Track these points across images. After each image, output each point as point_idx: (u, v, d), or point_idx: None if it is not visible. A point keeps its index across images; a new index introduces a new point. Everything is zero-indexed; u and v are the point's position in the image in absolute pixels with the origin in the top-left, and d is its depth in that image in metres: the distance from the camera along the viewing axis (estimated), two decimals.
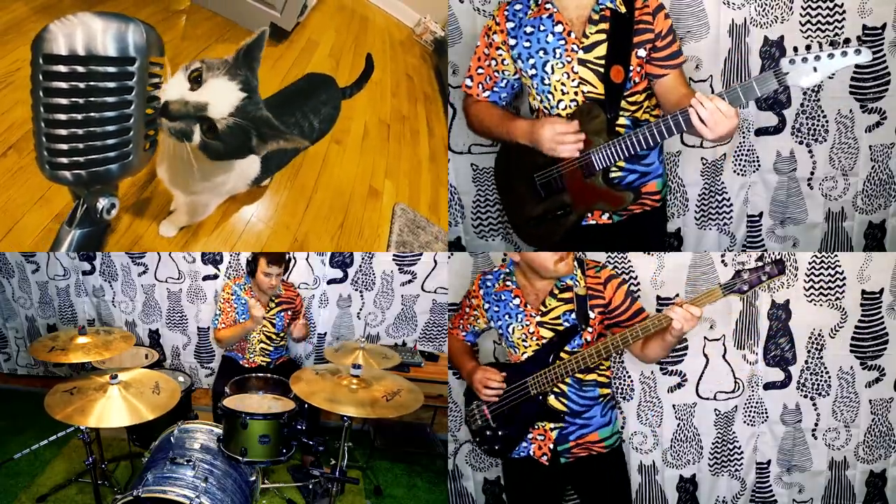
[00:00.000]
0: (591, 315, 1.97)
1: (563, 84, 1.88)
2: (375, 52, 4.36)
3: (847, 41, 1.58)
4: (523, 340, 2.03)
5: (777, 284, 2.35)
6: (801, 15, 2.31)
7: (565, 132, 1.83)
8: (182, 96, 1.43)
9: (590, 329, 1.97)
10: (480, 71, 2.02)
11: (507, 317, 2.06)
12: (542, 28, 1.88)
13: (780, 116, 2.45)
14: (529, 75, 1.93)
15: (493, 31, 1.96)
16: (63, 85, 1.09)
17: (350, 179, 3.04)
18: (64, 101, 1.10)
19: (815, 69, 1.61)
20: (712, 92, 2.38)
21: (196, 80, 1.48)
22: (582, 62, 1.85)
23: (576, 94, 1.88)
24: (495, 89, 2.03)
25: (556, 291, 1.99)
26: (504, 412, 2.06)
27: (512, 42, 1.93)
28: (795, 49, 1.62)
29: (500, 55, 1.97)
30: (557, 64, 1.87)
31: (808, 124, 2.45)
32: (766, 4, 2.31)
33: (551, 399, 2.01)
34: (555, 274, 1.94)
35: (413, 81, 4.37)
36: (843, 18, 2.30)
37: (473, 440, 2.17)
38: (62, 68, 1.08)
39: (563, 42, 1.86)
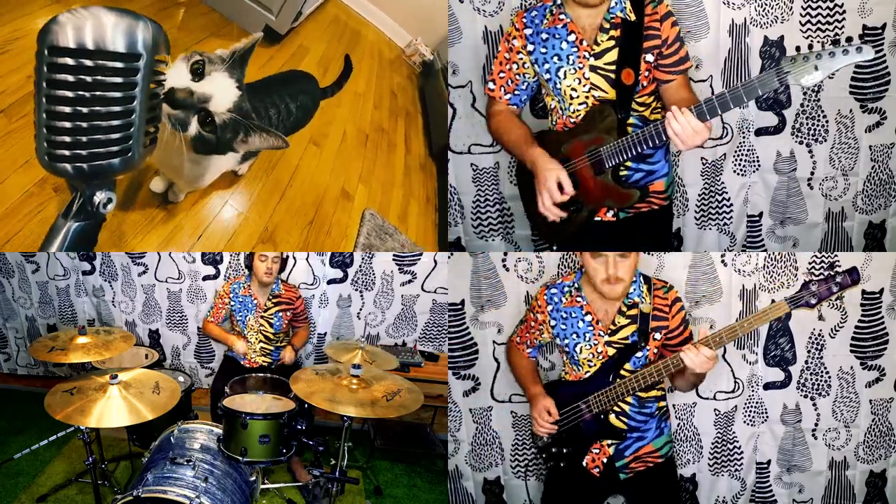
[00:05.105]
0: (656, 336, 1.97)
1: (573, 89, 1.95)
2: (363, 66, 4.41)
3: (849, 39, 1.58)
4: (589, 360, 2.03)
5: (777, 284, 2.36)
6: (801, 15, 2.31)
7: (562, 195, 1.89)
8: (187, 86, 1.42)
9: (653, 350, 1.98)
10: (502, 75, 2.08)
11: (574, 336, 2.04)
12: (556, 36, 1.95)
13: (780, 116, 2.45)
14: (545, 79, 2.00)
15: (513, 36, 2.02)
16: (69, 78, 1.08)
17: (324, 180, 3.10)
18: (69, 93, 1.09)
19: (816, 68, 1.61)
20: (712, 93, 2.39)
21: (198, 73, 1.47)
22: (593, 69, 1.91)
23: (587, 97, 1.95)
24: (517, 92, 2.09)
25: (624, 308, 1.99)
26: (567, 430, 2.06)
27: (530, 47, 1.99)
28: (798, 48, 1.63)
29: (521, 59, 2.03)
30: (570, 70, 1.94)
31: (808, 124, 2.45)
32: (766, 4, 2.31)
33: (612, 418, 2.02)
34: (599, 290, 1.94)
35: (396, 98, 4.43)
36: (843, 18, 2.30)
37: (539, 455, 2.18)
38: (69, 61, 1.07)
39: (575, 49, 1.92)
